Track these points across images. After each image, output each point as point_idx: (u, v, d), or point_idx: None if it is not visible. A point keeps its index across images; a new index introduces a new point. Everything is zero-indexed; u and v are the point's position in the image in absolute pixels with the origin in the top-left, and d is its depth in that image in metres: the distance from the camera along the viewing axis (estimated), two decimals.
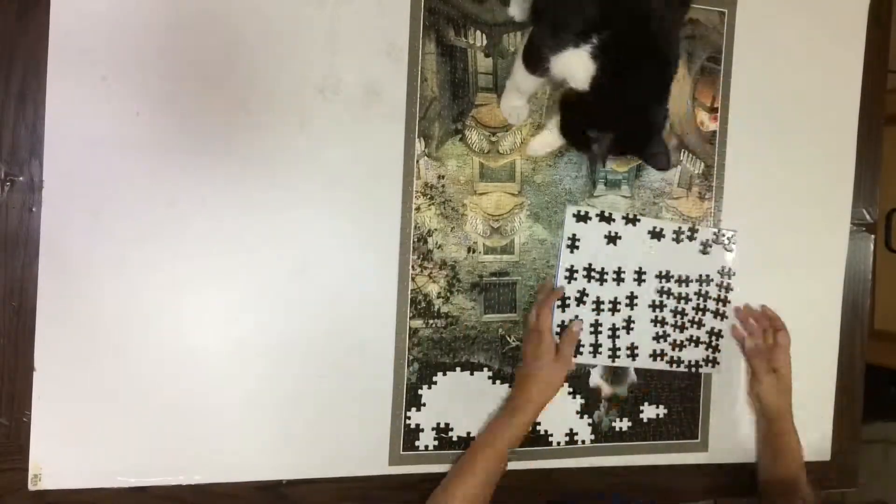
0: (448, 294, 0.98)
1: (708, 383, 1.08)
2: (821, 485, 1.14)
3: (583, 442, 1.04)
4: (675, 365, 1.06)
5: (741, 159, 1.07)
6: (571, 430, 1.03)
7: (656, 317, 1.05)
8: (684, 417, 1.08)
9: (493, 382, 1.00)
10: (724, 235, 1.07)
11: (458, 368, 0.99)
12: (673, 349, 1.06)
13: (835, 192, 1.14)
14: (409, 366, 0.97)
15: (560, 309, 1.00)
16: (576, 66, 0.81)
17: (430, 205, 0.96)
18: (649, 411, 1.06)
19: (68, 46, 0.84)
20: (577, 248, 1.01)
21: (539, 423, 1.01)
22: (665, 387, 1.07)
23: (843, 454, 1.16)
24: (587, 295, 1.02)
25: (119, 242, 0.86)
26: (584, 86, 0.82)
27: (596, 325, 1.03)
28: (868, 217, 1.16)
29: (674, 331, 1.06)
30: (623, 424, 1.05)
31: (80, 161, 0.85)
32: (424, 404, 0.98)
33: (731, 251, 1.08)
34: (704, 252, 1.06)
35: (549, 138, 0.97)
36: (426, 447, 0.98)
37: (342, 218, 0.93)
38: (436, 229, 0.97)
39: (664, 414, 1.07)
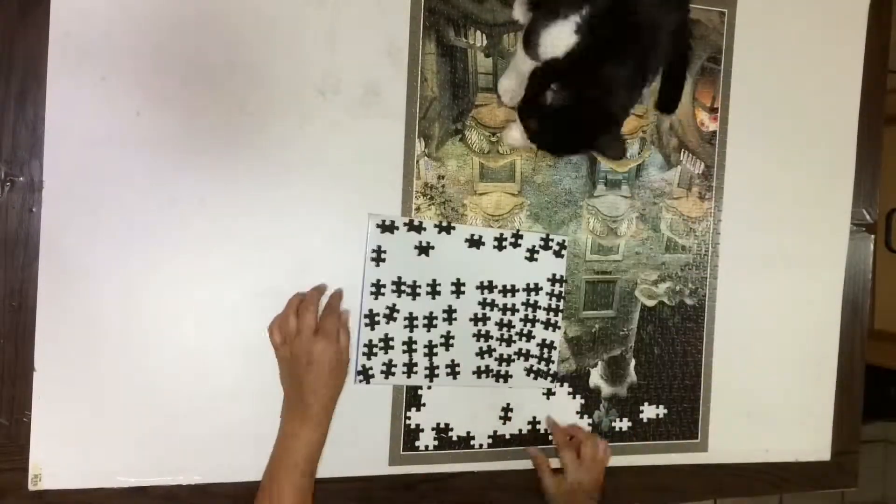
0: None
1: (708, 383, 1.08)
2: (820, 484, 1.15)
3: None
4: (502, 381, 0.99)
5: (741, 159, 1.07)
6: None
7: (479, 331, 0.98)
8: (684, 417, 1.07)
9: (496, 381, 1.00)
10: (553, 241, 1.00)
11: None
12: (500, 364, 0.99)
13: (835, 192, 1.14)
14: None
15: (369, 327, 0.93)
16: (559, 39, 0.80)
17: (430, 205, 0.96)
18: (649, 411, 1.06)
19: (68, 46, 0.84)
20: (384, 260, 0.93)
21: (539, 423, 1.02)
22: (665, 387, 1.07)
23: (843, 454, 1.16)
24: (398, 311, 0.94)
25: (119, 242, 0.86)
26: (559, 53, 0.81)
27: (410, 343, 0.95)
28: (868, 217, 1.16)
29: (500, 345, 0.98)
30: (623, 424, 1.05)
31: (80, 161, 0.85)
32: (424, 404, 0.97)
33: (561, 257, 1.00)
34: (532, 259, 0.99)
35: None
36: (426, 447, 0.98)
37: (342, 218, 0.93)
38: None
39: (664, 414, 1.07)
